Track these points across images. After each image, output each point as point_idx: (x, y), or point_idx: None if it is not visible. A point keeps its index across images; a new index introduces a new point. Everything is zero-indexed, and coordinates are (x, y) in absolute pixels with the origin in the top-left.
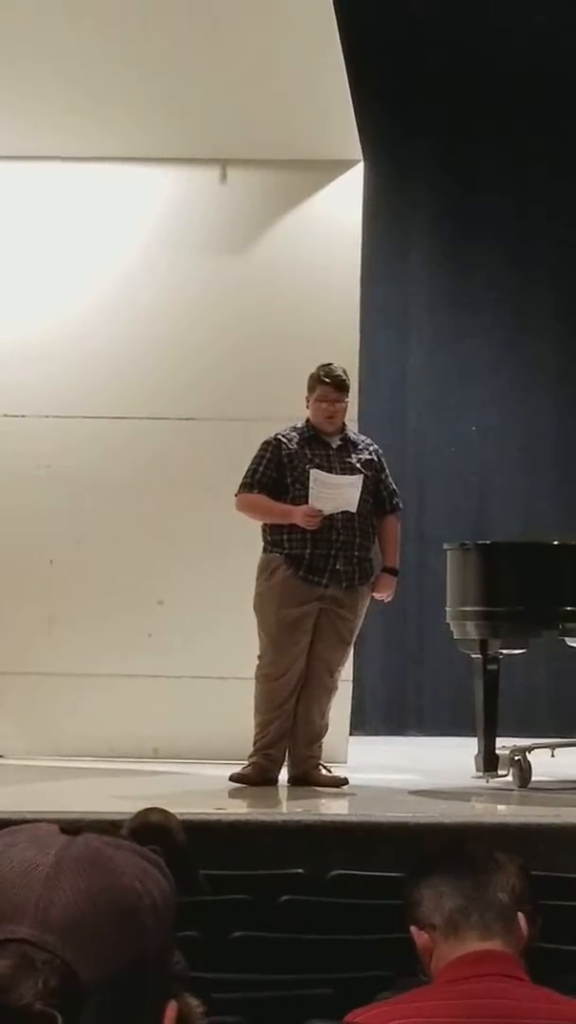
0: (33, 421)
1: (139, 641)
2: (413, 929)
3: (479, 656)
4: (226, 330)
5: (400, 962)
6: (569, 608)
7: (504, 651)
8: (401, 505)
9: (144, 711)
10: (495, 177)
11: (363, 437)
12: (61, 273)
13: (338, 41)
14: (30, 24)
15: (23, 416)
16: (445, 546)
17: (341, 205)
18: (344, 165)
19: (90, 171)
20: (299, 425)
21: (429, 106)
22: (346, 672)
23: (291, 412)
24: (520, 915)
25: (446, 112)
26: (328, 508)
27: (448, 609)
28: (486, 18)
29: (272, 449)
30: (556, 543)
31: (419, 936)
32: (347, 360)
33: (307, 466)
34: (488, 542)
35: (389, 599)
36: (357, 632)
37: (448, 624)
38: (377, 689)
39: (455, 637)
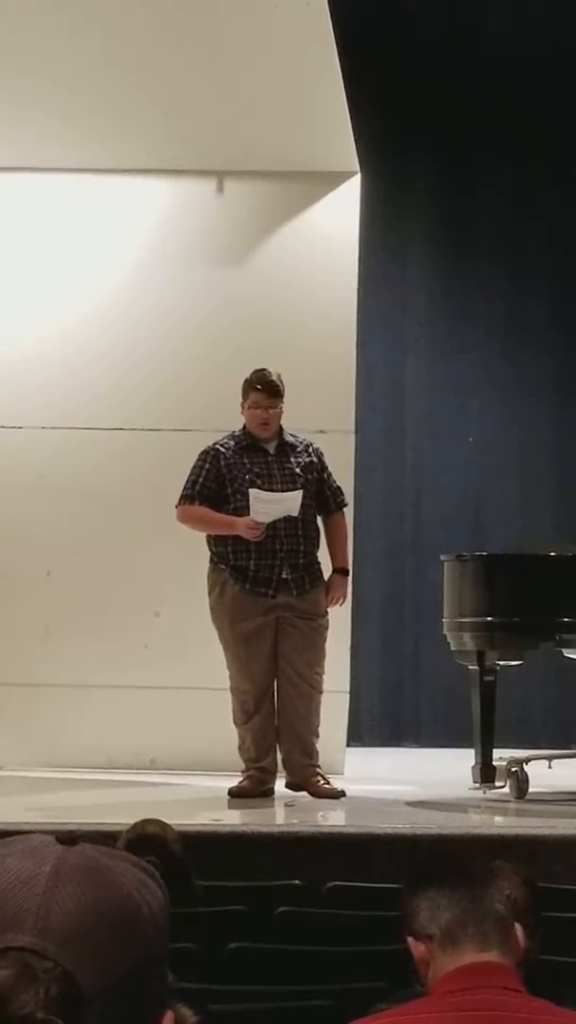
0: (30, 432)
1: (136, 652)
2: (410, 940)
3: (476, 667)
4: (223, 341)
5: (397, 973)
6: (566, 619)
7: (501, 662)
8: (346, 502)
9: (141, 722)
10: (493, 188)
11: (301, 438)
12: (57, 284)
13: (335, 52)
14: (26, 37)
15: (20, 428)
16: (442, 557)
17: (338, 217)
18: (341, 177)
19: (86, 182)
20: (236, 432)
21: (427, 117)
22: (342, 683)
23: (288, 423)
24: (517, 926)
25: (444, 124)
26: (270, 519)
27: (445, 620)
28: (485, 28)
29: (211, 459)
30: (553, 554)
31: (416, 947)
32: (344, 371)
33: (246, 476)
34: (485, 553)
35: (342, 603)
36: (325, 631)
37: (445, 635)
38: (374, 700)
39: (452, 648)
